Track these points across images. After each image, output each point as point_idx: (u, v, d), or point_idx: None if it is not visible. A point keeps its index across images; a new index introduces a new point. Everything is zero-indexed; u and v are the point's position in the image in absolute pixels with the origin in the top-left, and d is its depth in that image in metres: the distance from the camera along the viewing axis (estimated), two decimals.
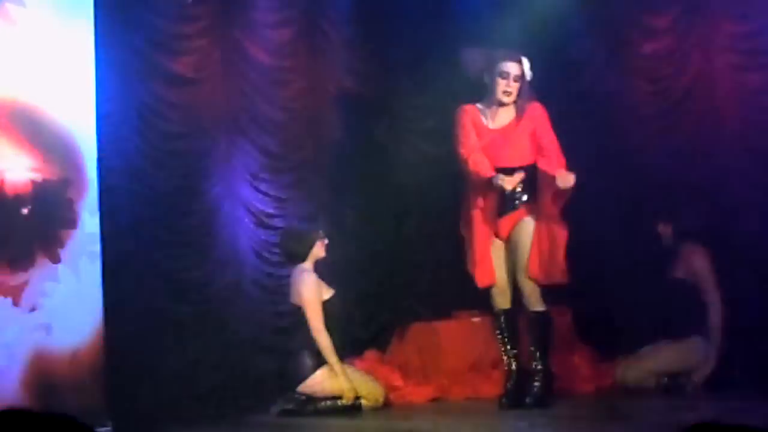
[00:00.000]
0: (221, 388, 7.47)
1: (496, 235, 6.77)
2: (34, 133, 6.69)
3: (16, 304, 6.54)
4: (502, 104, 6.75)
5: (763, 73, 7.51)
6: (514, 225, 6.69)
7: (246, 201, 7.69)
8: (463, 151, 6.71)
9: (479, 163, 6.63)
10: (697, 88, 7.77)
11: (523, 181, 6.68)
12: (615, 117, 7.84)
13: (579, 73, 8.06)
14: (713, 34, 7.70)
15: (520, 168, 6.71)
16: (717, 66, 7.70)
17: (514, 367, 6.82)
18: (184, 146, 7.58)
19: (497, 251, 6.79)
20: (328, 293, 7.23)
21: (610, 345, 7.62)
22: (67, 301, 6.71)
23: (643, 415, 6.61)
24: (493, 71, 6.73)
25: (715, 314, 7.09)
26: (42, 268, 6.66)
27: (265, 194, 7.76)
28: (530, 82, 6.76)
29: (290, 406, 7.10)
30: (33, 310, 6.60)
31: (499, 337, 6.90)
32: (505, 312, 6.84)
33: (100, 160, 6.93)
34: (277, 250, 7.51)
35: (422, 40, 8.09)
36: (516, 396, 6.74)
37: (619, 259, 7.71)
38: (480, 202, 6.73)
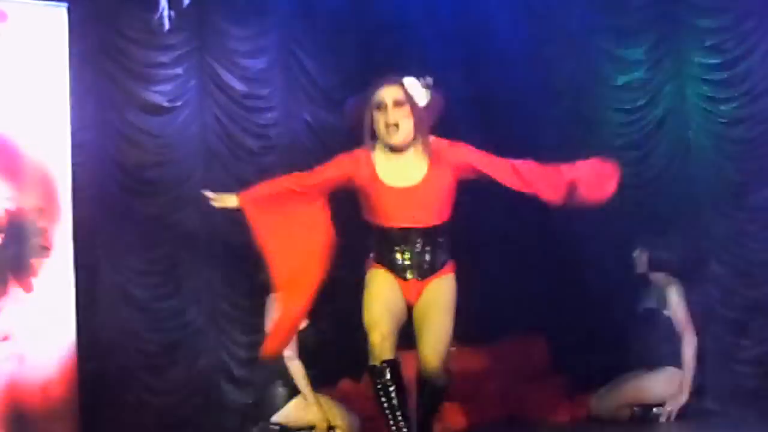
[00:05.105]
0: (195, 418, 7.43)
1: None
2: (9, 162, 6.68)
3: None
4: (393, 148, 5.18)
5: (734, 104, 7.59)
6: (422, 289, 5.30)
7: (221, 230, 7.67)
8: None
9: None
10: (670, 119, 7.84)
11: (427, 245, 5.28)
12: (589, 147, 7.87)
13: (555, 102, 8.11)
14: (685, 66, 7.77)
15: (422, 229, 5.27)
16: (689, 97, 7.77)
17: None
18: (158, 175, 7.57)
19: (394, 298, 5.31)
20: (302, 322, 7.21)
21: (584, 375, 7.64)
22: (40, 331, 6.67)
23: None
24: (370, 108, 5.18)
25: (688, 345, 7.13)
26: (15, 297, 6.63)
27: (241, 224, 7.73)
28: (436, 108, 5.25)
29: None
30: (5, 339, 6.56)
31: (387, 398, 5.13)
32: (390, 365, 5.11)
33: (74, 188, 6.92)
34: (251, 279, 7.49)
35: (399, 65, 8.12)
36: None
37: (594, 289, 7.74)
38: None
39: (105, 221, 7.29)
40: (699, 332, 7.15)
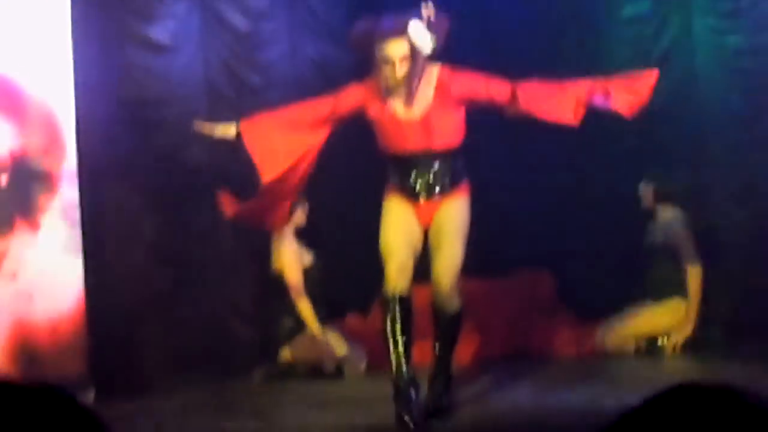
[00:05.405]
0: (203, 353, 7.47)
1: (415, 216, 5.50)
2: (11, 102, 6.66)
3: None
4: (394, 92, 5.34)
5: (743, 36, 7.53)
6: (435, 211, 5.45)
7: (227, 168, 7.66)
8: None
9: None
10: (676, 50, 7.79)
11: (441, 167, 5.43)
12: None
13: (560, 36, 8.04)
14: None
15: (435, 152, 5.43)
16: (695, 28, 7.71)
17: (406, 373, 5.36)
18: (162, 114, 7.53)
19: (408, 226, 5.48)
20: (308, 258, 7.24)
21: (590, 308, 7.66)
22: (47, 269, 6.69)
23: (623, 378, 6.66)
24: (378, 51, 5.27)
25: (694, 276, 7.14)
26: (22, 236, 6.64)
27: (245, 162, 7.72)
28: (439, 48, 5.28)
29: (272, 372, 7.11)
30: (13, 278, 6.58)
31: (392, 331, 5.36)
32: (402, 301, 5.40)
33: (78, 127, 6.89)
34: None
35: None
36: (420, 410, 5.43)
37: (600, 221, 7.74)
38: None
39: (110, 159, 7.26)
40: (705, 263, 7.17)
